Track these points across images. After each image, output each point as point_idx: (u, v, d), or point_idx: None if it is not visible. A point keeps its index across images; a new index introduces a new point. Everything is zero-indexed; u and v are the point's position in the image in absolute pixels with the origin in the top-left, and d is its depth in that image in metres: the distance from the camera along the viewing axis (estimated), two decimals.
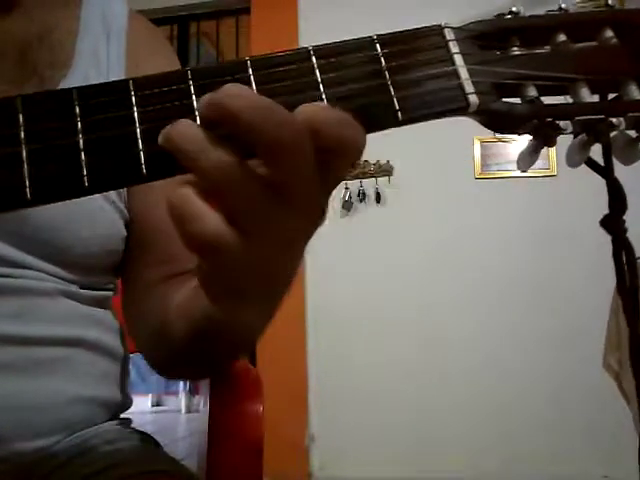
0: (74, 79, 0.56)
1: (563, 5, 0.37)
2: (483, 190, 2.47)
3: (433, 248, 2.47)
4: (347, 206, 2.59)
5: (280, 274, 0.35)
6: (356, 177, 2.56)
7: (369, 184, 2.58)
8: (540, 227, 2.42)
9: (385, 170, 2.56)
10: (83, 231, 0.53)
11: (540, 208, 2.41)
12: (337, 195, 2.53)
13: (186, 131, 0.28)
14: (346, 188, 2.58)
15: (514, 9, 0.37)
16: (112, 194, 0.55)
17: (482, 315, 2.41)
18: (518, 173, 2.35)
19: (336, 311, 2.33)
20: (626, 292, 0.42)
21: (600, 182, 0.44)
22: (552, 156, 2.40)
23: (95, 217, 0.54)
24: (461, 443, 2.35)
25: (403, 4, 2.55)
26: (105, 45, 0.60)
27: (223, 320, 0.39)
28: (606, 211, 0.42)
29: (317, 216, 0.32)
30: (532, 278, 2.39)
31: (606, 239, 0.45)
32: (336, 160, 0.30)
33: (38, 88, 0.54)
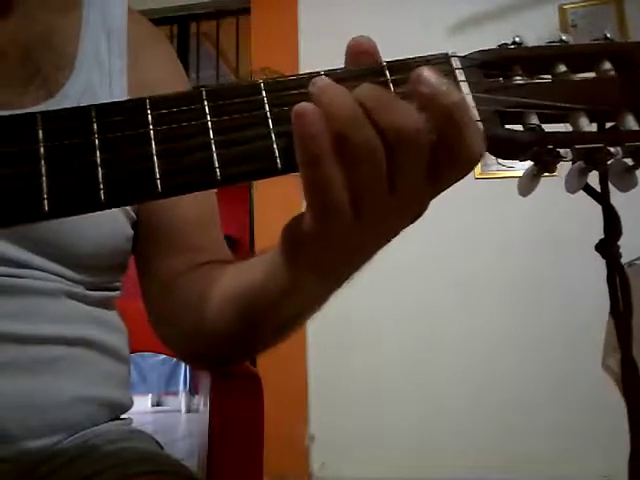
0: (78, 80, 0.57)
1: (564, 37, 0.38)
2: (483, 190, 2.46)
3: (433, 248, 2.47)
4: None
5: (357, 259, 0.40)
6: None
7: None
8: (540, 227, 2.42)
9: None
10: (87, 231, 0.53)
11: (541, 208, 2.40)
12: None
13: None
14: None
15: (517, 39, 0.38)
16: None
17: (482, 315, 2.41)
18: (518, 173, 2.33)
19: (336, 311, 2.33)
20: (620, 316, 0.42)
21: None
22: None
23: (99, 217, 0.54)
24: (461, 444, 2.35)
25: (403, 4, 2.55)
26: (106, 45, 0.61)
27: (283, 292, 0.42)
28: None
29: (415, 214, 0.36)
30: (533, 278, 2.38)
31: None
32: (447, 167, 0.33)
33: (42, 89, 0.55)
